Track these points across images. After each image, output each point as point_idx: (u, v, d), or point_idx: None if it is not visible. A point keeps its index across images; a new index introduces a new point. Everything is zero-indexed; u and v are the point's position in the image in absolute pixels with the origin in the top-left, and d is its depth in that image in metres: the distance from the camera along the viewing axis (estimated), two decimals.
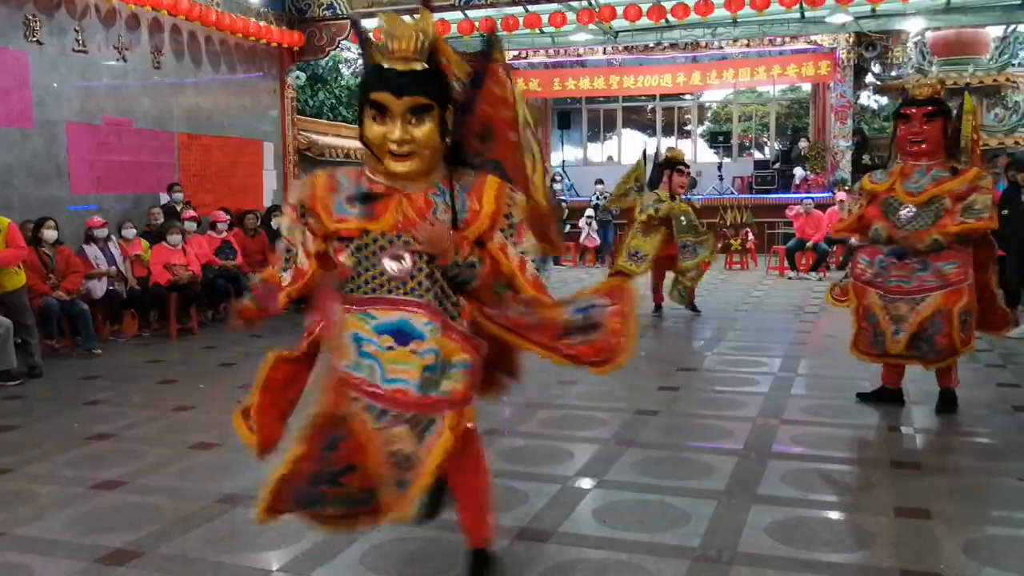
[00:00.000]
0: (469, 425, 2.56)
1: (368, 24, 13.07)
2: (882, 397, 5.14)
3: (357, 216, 2.47)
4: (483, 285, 2.52)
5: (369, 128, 2.41)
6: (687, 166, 8.78)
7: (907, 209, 4.70)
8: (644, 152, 9.11)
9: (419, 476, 2.45)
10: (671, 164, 8.61)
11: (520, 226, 2.55)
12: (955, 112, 4.89)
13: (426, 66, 2.43)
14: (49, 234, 7.33)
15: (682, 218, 8.40)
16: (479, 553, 2.82)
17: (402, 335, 2.45)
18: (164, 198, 9.49)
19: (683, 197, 8.72)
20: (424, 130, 2.39)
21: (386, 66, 2.41)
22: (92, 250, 7.96)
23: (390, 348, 2.46)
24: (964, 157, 4.84)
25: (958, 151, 4.84)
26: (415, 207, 2.46)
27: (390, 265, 2.46)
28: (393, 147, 2.38)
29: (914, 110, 4.68)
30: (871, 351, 4.93)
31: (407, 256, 2.45)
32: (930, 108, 4.65)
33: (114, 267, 8.06)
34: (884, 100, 19.55)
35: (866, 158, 16.10)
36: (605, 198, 14.90)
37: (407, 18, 2.50)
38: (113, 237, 8.26)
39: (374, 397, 2.48)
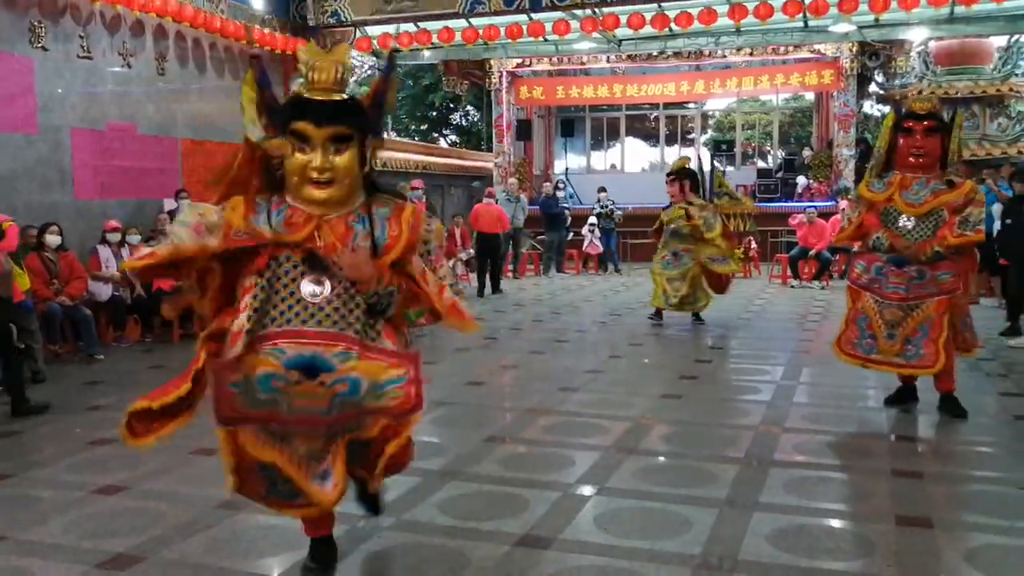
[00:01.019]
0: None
1: (372, 31, 13.17)
2: (904, 398, 5.21)
3: (272, 229, 2.50)
4: (399, 312, 2.59)
5: (290, 157, 2.47)
6: (669, 175, 8.84)
7: (906, 220, 4.81)
8: (699, 159, 9.29)
9: (335, 461, 2.56)
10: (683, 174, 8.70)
11: (438, 252, 2.66)
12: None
13: (345, 96, 2.52)
14: (52, 239, 7.36)
15: (674, 225, 8.54)
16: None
17: (312, 369, 2.47)
18: (171, 204, 9.52)
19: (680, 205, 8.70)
20: (344, 159, 2.46)
21: (307, 96, 2.49)
22: (104, 252, 8.02)
23: (297, 382, 2.48)
24: (951, 168, 4.93)
25: (948, 164, 4.92)
26: (335, 233, 2.50)
27: (310, 289, 2.49)
28: (314, 175, 2.45)
29: (916, 124, 4.79)
30: (854, 353, 5.06)
31: (327, 281, 2.49)
32: (932, 123, 4.78)
33: (119, 273, 8.07)
34: (887, 109, 19.59)
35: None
36: (605, 206, 14.94)
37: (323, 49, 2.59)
38: (128, 243, 8.27)
39: (279, 422, 2.54)
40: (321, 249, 2.49)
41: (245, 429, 2.58)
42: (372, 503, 3.09)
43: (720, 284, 8.72)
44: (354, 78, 19.28)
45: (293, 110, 2.49)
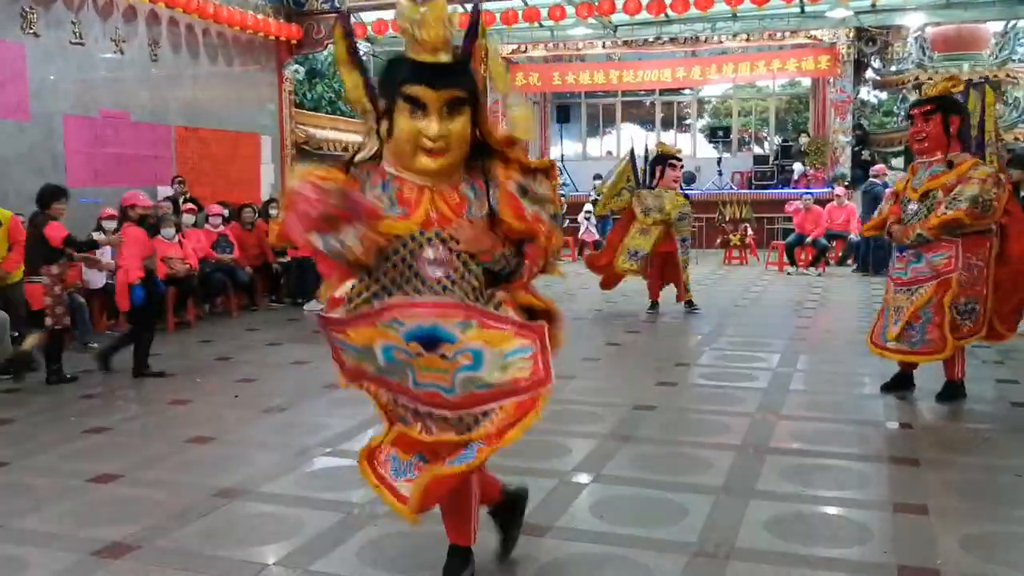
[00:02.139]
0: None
1: (367, 18, 13.08)
2: (901, 384, 5.23)
3: (392, 213, 2.35)
4: (531, 270, 2.49)
5: (401, 123, 2.29)
6: (679, 159, 8.73)
7: (911, 204, 4.87)
8: (632, 150, 9.06)
9: (484, 448, 2.40)
10: (663, 159, 8.58)
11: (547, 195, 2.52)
12: (977, 106, 4.96)
13: (453, 57, 2.33)
14: None
15: (679, 212, 8.42)
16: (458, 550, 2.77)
17: (432, 340, 2.36)
18: (165, 191, 9.47)
19: (681, 191, 8.69)
20: (459, 124, 2.30)
21: (415, 58, 2.29)
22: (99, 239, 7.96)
23: (419, 354, 2.38)
24: (990, 150, 4.93)
25: (971, 144, 4.88)
26: (449, 203, 2.38)
27: (430, 269, 2.35)
28: (427, 143, 2.28)
29: (916, 110, 4.86)
30: (877, 343, 5.10)
31: (447, 260, 2.36)
32: (928, 107, 4.78)
33: (113, 261, 8.03)
34: (884, 95, 19.55)
35: (866, 153, 16.09)
36: (599, 194, 14.90)
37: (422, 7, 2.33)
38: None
39: (408, 394, 2.47)
40: (437, 222, 2.35)
41: (378, 389, 2.53)
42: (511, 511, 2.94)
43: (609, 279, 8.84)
44: None
45: (405, 72, 2.29)
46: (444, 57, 2.31)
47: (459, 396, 2.40)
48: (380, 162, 2.43)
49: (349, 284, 2.41)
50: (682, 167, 8.77)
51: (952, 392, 5.02)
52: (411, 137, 2.29)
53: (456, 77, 2.30)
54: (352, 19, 12.89)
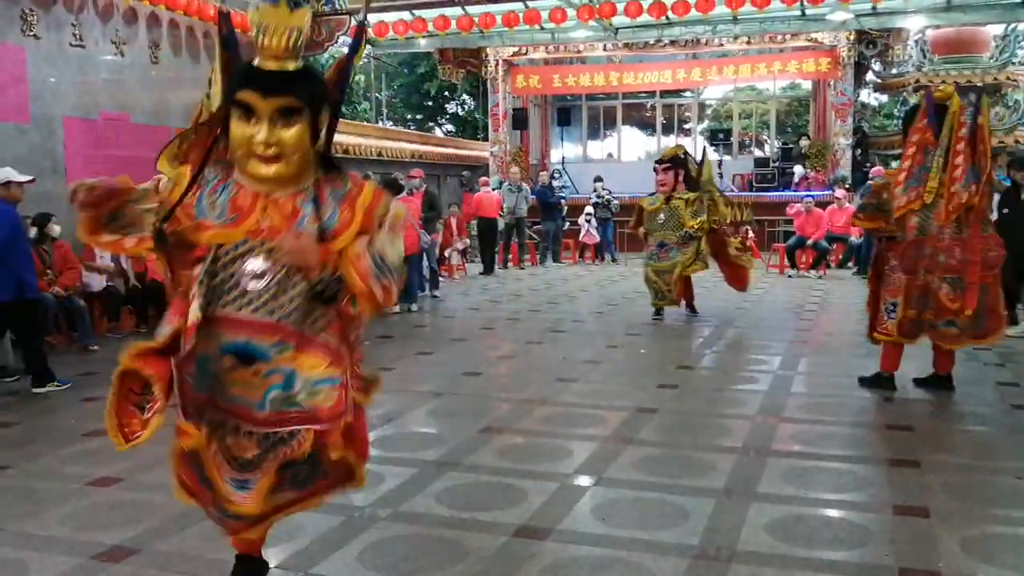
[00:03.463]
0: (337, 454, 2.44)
1: (368, 19, 13.07)
2: (879, 383, 5.39)
3: (218, 221, 2.32)
4: (347, 300, 2.39)
5: (235, 128, 2.27)
6: (660, 162, 8.49)
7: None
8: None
9: (261, 478, 2.38)
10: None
11: (394, 232, 2.41)
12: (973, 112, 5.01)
13: (299, 65, 2.32)
14: (55, 229, 7.38)
15: (660, 216, 8.29)
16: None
17: (246, 356, 2.32)
18: None
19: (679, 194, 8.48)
20: (292, 133, 2.26)
21: (256, 64, 2.30)
22: None
23: (232, 368, 2.34)
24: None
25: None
26: (281, 213, 2.32)
27: (251, 283, 2.31)
28: (259, 149, 2.26)
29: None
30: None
31: (268, 272, 2.30)
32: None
33: (113, 264, 8.04)
34: (884, 98, 19.56)
35: (858, 154, 16.10)
36: (600, 197, 14.88)
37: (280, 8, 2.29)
38: None
39: (212, 408, 2.40)
40: (264, 232, 2.30)
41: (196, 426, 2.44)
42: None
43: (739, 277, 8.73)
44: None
45: (241, 78, 2.30)
46: (291, 65, 2.29)
47: (268, 413, 2.36)
48: (233, 166, 2.39)
49: (195, 306, 2.30)
50: (665, 169, 8.37)
51: (934, 382, 5.36)
52: (243, 143, 2.27)
53: (292, 85, 2.27)
54: (352, 20, 12.92)
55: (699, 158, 8.86)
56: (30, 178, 6.42)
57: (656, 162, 8.60)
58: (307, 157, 2.33)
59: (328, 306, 2.36)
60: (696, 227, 8.12)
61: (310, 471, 2.45)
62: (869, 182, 11.95)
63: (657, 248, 8.32)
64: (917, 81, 13.89)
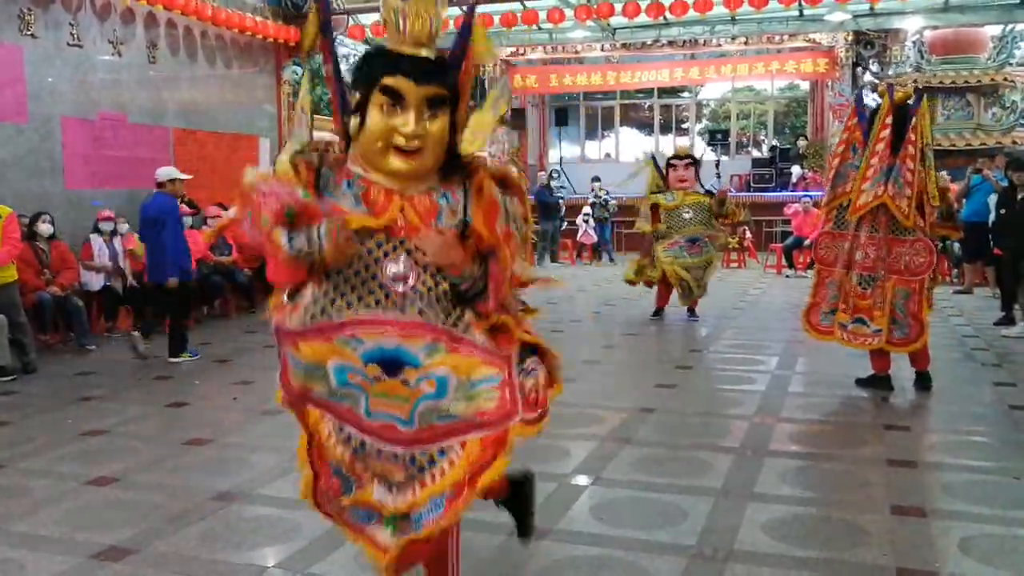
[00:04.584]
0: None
1: (365, 20, 13.08)
2: (874, 383, 5.41)
3: (357, 210, 2.14)
4: (497, 292, 2.18)
5: (375, 118, 2.08)
6: (681, 158, 8.43)
7: None
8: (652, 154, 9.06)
9: (403, 504, 2.19)
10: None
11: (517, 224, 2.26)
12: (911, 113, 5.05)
13: (436, 53, 2.16)
14: (44, 228, 7.32)
15: (685, 212, 8.23)
16: None
17: (394, 363, 2.13)
18: None
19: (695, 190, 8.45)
20: (437, 125, 2.09)
21: (397, 50, 2.11)
22: (97, 241, 7.98)
23: (377, 379, 2.15)
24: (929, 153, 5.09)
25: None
26: (419, 210, 2.14)
27: (393, 279, 2.13)
28: (401, 141, 2.07)
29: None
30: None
31: (411, 269, 2.13)
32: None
33: (111, 263, 8.03)
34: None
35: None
36: (598, 197, 14.89)
37: None
38: (119, 233, 8.21)
39: (358, 427, 2.21)
40: (403, 230, 2.13)
41: (323, 415, 2.24)
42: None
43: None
44: (345, 66, 19.18)
45: (385, 63, 2.09)
46: (427, 52, 2.13)
47: (416, 429, 2.16)
48: (346, 163, 2.22)
49: (308, 292, 2.17)
50: (687, 165, 8.32)
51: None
52: (384, 134, 2.08)
53: (440, 75, 2.11)
54: (350, 20, 12.92)
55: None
56: (190, 176, 7.60)
57: (674, 158, 8.46)
58: (443, 152, 2.16)
59: (472, 303, 2.18)
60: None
61: (430, 508, 2.20)
62: None
63: (687, 243, 8.18)
64: (915, 82, 13.87)
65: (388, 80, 2.06)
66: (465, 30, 2.30)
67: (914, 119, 4.96)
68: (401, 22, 2.11)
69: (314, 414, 2.25)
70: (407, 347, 2.13)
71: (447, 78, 2.14)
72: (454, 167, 2.23)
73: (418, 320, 2.13)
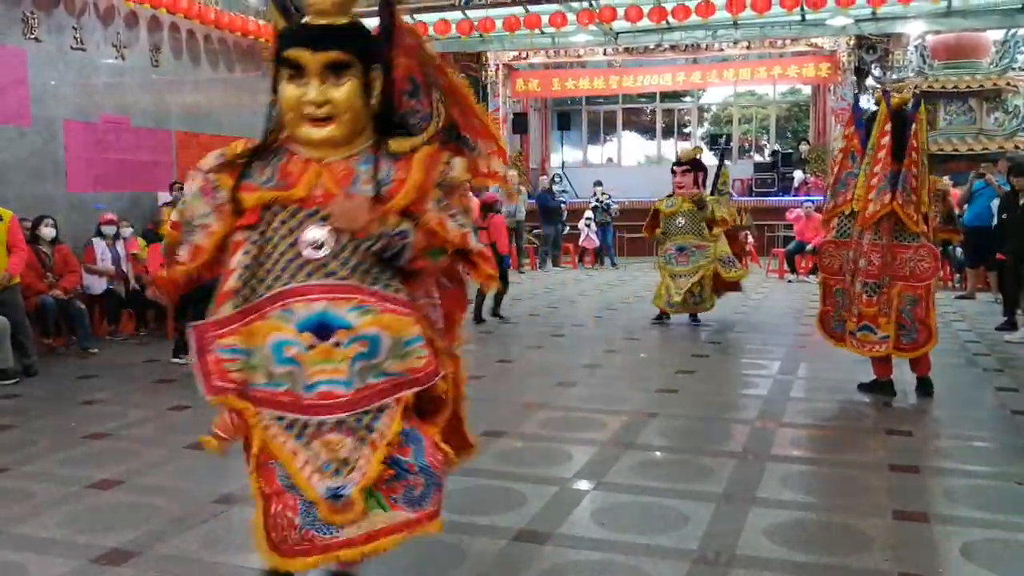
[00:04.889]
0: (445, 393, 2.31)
1: (368, 23, 13.11)
2: (876, 388, 5.40)
3: (264, 184, 2.22)
4: (418, 255, 2.23)
5: (284, 90, 2.18)
6: (681, 164, 8.33)
7: None
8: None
9: (361, 477, 2.19)
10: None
11: (456, 194, 2.28)
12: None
13: (348, 20, 2.22)
14: (47, 232, 7.33)
15: (679, 219, 8.21)
16: None
17: (324, 328, 2.16)
18: (165, 196, 9.47)
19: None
20: (344, 90, 2.16)
21: (304, 22, 2.21)
22: (100, 245, 8.00)
23: (311, 347, 2.16)
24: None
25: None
26: (334, 177, 2.20)
27: (309, 248, 2.18)
28: (310, 110, 2.15)
29: None
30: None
31: (327, 239, 2.17)
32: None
33: (113, 267, 8.05)
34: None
35: None
36: (600, 201, 14.89)
37: None
38: (122, 236, 8.23)
39: (296, 409, 2.21)
40: (319, 199, 2.19)
41: (261, 414, 2.23)
42: None
43: (727, 286, 8.51)
44: None
45: (288, 36, 2.21)
46: (339, 21, 2.20)
47: (356, 389, 2.18)
48: (279, 140, 2.30)
49: (234, 276, 2.22)
50: (684, 172, 8.21)
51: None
52: (294, 105, 2.17)
53: (341, 39, 2.17)
54: None
55: (717, 165, 8.78)
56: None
57: (675, 164, 8.44)
58: (360, 118, 2.22)
59: (395, 264, 2.23)
60: (724, 218, 8.11)
61: (425, 483, 2.25)
62: None
63: (676, 252, 8.17)
64: (917, 87, 13.88)
65: (287, 52, 2.17)
66: (385, 5, 2.35)
67: (914, 125, 4.96)
68: None
69: (252, 414, 2.24)
70: (334, 311, 2.17)
71: (348, 41, 2.18)
72: (388, 132, 2.29)
73: (343, 284, 2.18)
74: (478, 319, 8.63)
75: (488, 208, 9.05)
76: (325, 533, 2.24)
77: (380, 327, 2.18)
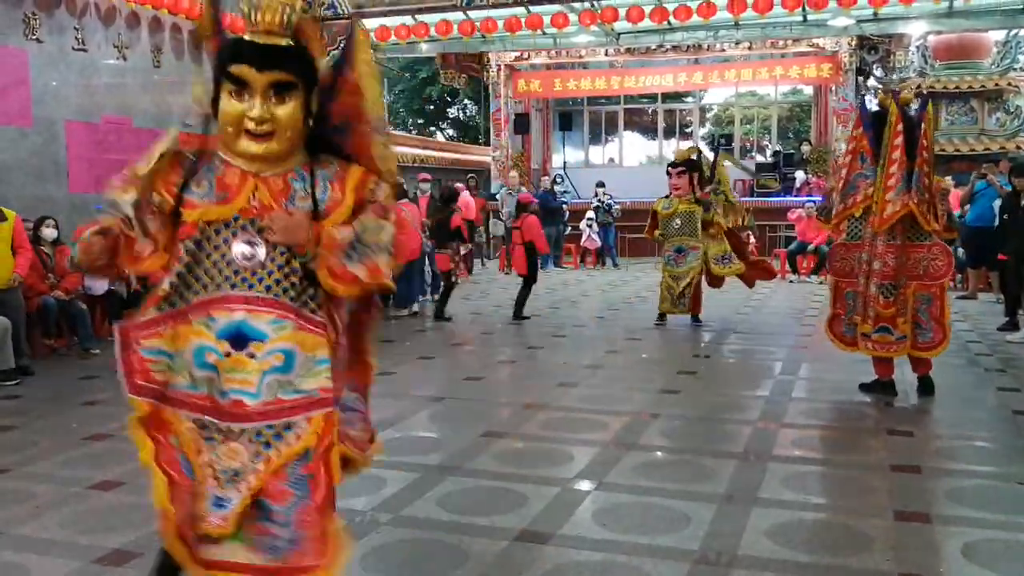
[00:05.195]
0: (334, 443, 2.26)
1: (369, 24, 13.12)
2: (877, 388, 5.40)
3: (203, 199, 2.25)
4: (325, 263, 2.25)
5: (226, 104, 2.21)
6: (675, 166, 8.35)
7: None
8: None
9: (246, 491, 2.19)
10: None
11: (377, 207, 2.32)
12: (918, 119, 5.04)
13: (291, 42, 2.27)
14: (49, 233, 7.34)
15: (676, 220, 8.24)
16: None
17: (240, 338, 2.21)
18: None
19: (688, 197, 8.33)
20: (286, 109, 2.21)
21: (248, 38, 2.24)
22: None
23: (227, 355, 2.21)
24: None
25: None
26: (272, 191, 2.25)
27: (241, 258, 2.23)
28: (251, 125, 2.20)
29: None
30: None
31: (260, 247, 2.23)
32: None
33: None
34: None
35: None
36: (602, 202, 14.88)
37: None
38: None
39: (213, 413, 2.25)
40: (255, 211, 2.23)
41: (178, 414, 2.28)
42: None
43: (717, 282, 8.56)
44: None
45: (232, 51, 2.23)
46: (281, 41, 2.24)
47: (263, 401, 2.22)
48: (213, 148, 2.33)
49: (165, 282, 2.26)
50: (679, 173, 8.22)
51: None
52: (234, 119, 2.21)
53: (286, 60, 2.22)
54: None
55: (712, 160, 8.67)
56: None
57: (669, 165, 8.45)
58: (298, 135, 2.28)
59: (319, 285, 2.27)
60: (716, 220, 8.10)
61: (289, 539, 2.20)
62: None
63: (675, 253, 8.23)
64: (919, 87, 13.87)
65: (232, 67, 2.20)
66: (349, 40, 2.42)
67: (923, 125, 4.95)
68: (254, 14, 2.23)
69: (170, 413, 2.30)
70: (252, 322, 2.22)
71: (293, 63, 2.24)
72: (320, 150, 2.34)
73: (265, 296, 2.23)
74: (517, 316, 8.99)
75: (523, 208, 9.12)
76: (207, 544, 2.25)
77: (295, 343, 2.24)
